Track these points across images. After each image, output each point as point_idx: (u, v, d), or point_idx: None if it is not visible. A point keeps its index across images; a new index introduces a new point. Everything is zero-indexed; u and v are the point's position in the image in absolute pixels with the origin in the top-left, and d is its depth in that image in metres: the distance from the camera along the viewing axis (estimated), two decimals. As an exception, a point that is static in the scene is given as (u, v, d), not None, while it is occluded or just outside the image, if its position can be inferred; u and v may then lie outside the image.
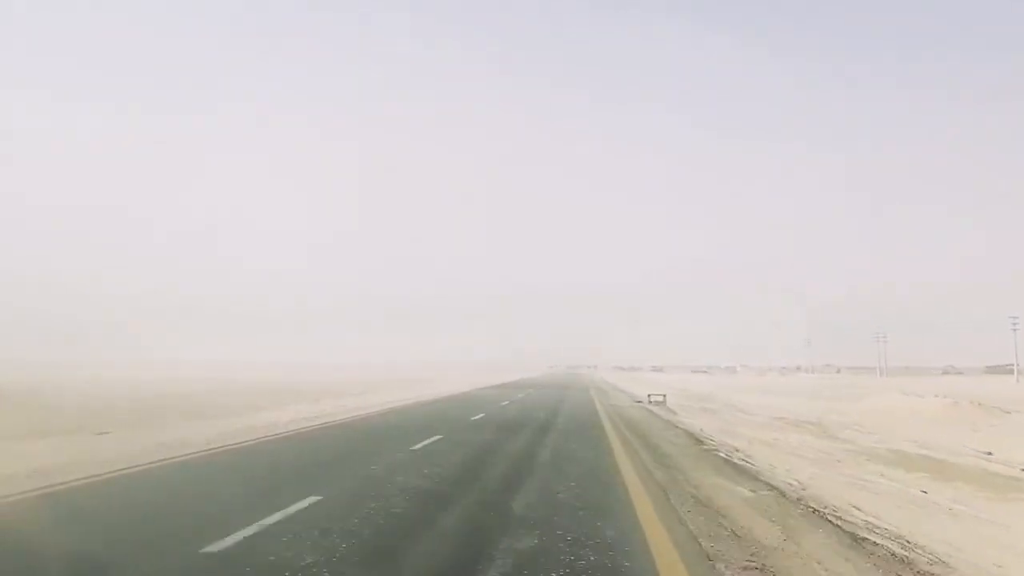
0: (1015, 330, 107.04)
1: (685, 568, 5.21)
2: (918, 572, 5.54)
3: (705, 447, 14.16)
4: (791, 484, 9.78)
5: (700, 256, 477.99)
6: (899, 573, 5.42)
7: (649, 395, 30.30)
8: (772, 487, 9.19)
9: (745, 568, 5.29)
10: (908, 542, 6.80)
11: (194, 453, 11.11)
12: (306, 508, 6.94)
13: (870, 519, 7.84)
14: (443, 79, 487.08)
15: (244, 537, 5.77)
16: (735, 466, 11.33)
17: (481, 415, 21.06)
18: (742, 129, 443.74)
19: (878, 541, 6.48)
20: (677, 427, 18.95)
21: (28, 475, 8.58)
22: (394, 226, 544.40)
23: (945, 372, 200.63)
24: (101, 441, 12.41)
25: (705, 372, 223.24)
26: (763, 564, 5.40)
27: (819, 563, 5.50)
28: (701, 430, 18.37)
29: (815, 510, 7.71)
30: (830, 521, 7.12)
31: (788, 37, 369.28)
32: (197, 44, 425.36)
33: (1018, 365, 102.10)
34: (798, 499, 8.43)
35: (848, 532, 6.70)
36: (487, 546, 5.68)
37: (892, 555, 5.98)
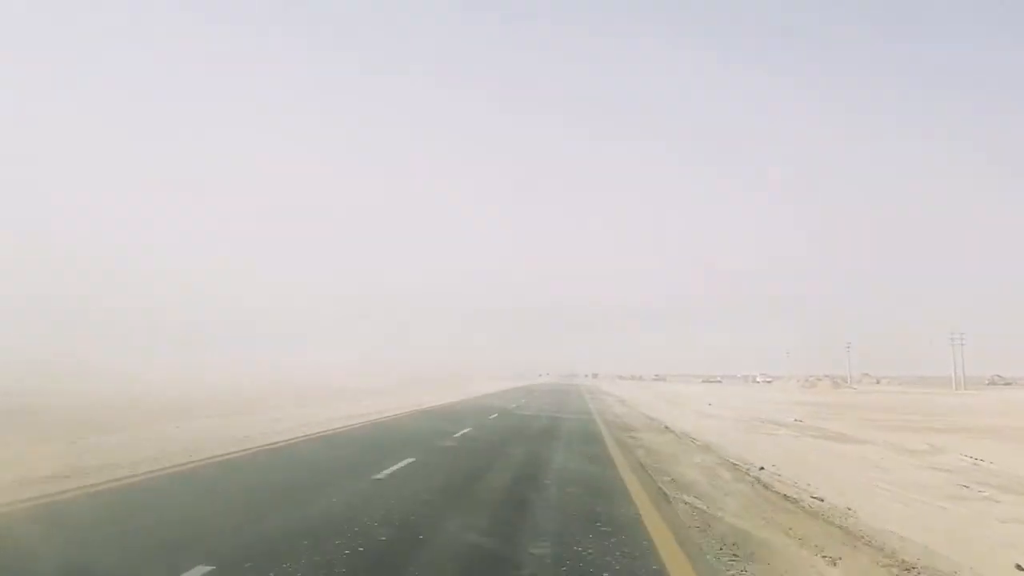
0: None
1: None
2: None
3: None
4: None
5: (702, 261, 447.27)
6: None
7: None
8: None
9: None
10: None
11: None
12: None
13: None
14: (443, 90, 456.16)
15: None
16: None
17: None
18: (756, 135, 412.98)
19: None
20: None
21: None
22: (378, 229, 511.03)
23: (991, 383, 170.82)
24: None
25: (719, 382, 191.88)
26: None
27: None
28: None
29: None
30: None
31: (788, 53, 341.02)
32: (205, 48, 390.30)
33: None
34: None
35: None
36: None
37: None
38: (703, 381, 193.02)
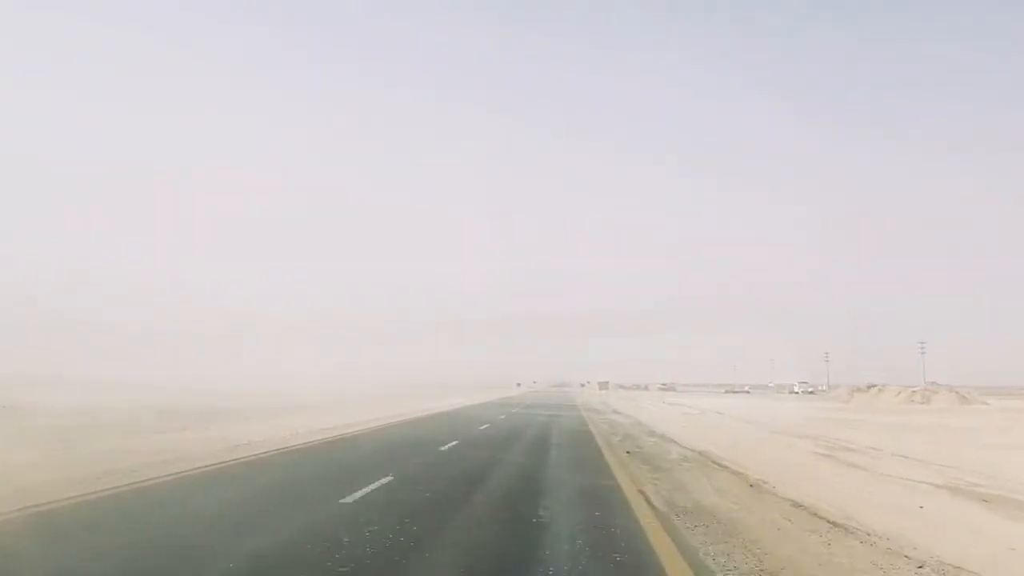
0: None
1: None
2: None
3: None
4: None
5: (708, 264, 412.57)
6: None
7: None
8: None
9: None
10: None
11: None
12: None
13: None
14: (444, 90, 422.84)
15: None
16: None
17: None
18: (764, 140, 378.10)
19: None
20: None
21: None
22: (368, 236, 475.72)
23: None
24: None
25: (746, 392, 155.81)
26: None
27: None
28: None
29: None
30: None
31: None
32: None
33: None
34: None
35: None
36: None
37: None
38: (727, 392, 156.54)
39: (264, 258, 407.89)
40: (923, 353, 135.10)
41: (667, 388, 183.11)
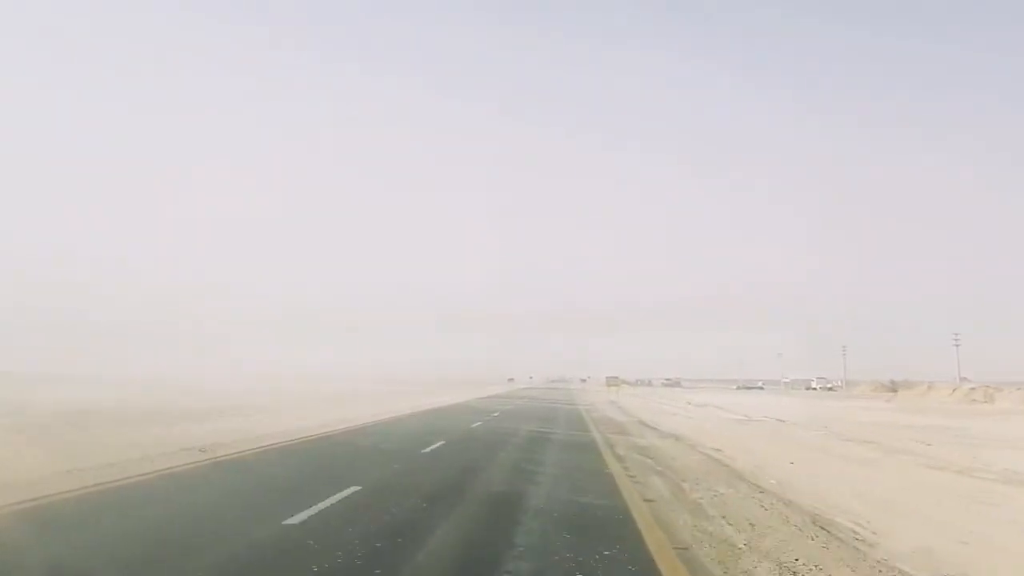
0: None
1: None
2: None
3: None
4: None
5: (709, 260, 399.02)
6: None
7: None
8: None
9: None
10: None
11: None
12: None
13: None
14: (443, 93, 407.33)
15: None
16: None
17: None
18: (769, 134, 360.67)
19: None
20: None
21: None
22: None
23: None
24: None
25: (760, 388, 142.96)
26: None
27: None
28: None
29: None
30: None
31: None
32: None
33: None
34: None
35: None
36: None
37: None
38: (739, 388, 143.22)
39: (264, 258, 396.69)
40: (958, 345, 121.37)
41: (672, 383, 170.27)
